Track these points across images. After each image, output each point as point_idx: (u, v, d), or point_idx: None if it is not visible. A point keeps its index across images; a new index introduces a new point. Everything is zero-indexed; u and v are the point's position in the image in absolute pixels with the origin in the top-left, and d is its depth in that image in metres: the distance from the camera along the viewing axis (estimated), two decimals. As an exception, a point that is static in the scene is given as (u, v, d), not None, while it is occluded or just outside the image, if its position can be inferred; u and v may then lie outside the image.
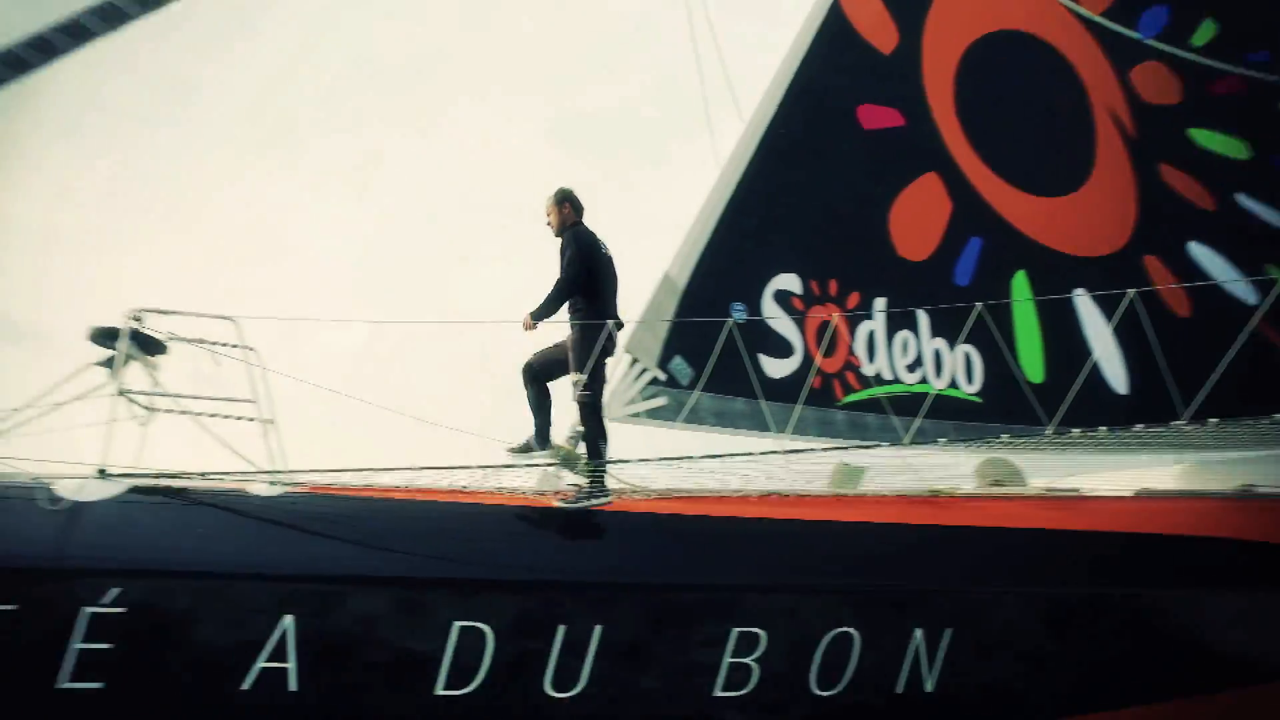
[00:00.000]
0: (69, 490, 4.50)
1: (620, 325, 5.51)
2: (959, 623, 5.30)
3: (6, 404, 4.76)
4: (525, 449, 5.54)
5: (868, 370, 7.06)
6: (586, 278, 5.42)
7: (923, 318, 7.30)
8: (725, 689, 4.94)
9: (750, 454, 5.47)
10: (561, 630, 4.76)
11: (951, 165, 8.00)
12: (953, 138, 8.09)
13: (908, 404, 6.89)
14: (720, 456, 5.50)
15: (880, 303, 7.26)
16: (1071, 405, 5.79)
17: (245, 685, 4.34)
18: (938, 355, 7.35)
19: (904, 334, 7.31)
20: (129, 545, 4.46)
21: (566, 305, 5.47)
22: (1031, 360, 7.74)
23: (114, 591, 4.26)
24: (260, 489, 4.80)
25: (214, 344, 5.13)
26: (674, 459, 5.64)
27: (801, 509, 5.53)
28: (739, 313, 6.61)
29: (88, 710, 4.18)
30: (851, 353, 7.05)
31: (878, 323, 7.21)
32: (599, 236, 5.60)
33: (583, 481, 5.50)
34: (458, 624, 4.63)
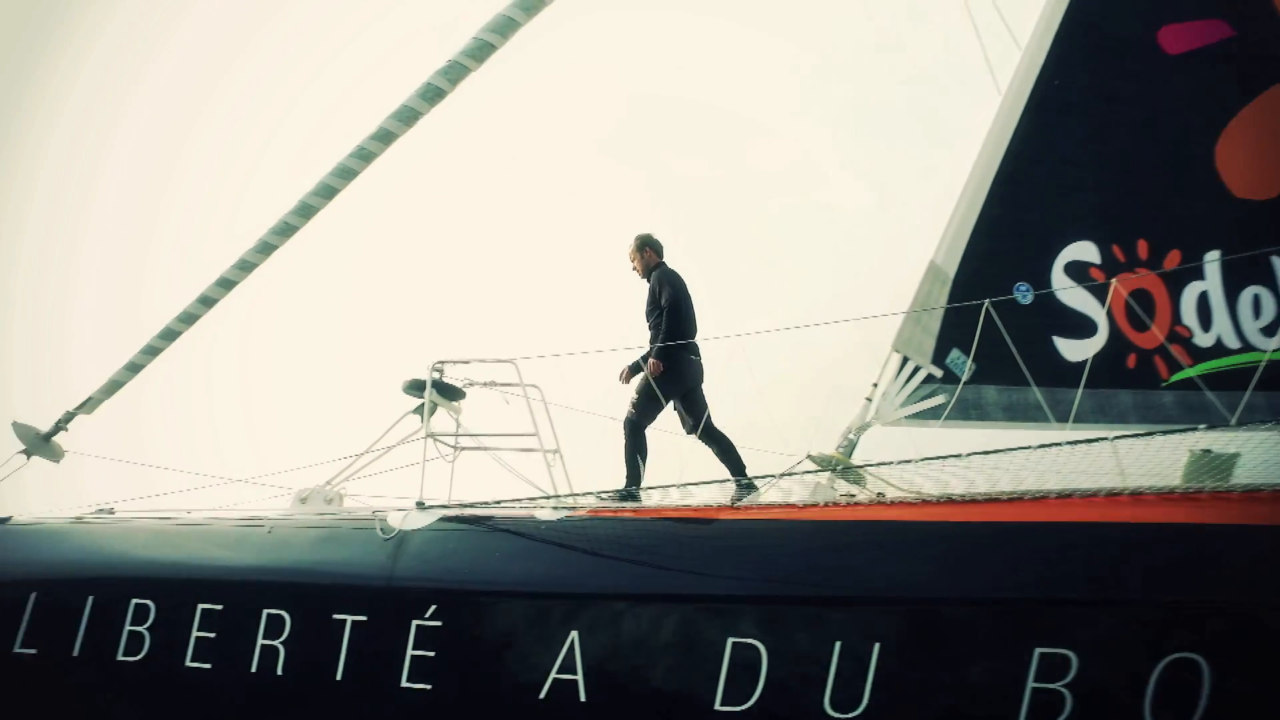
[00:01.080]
0: (396, 521, 5.31)
1: (698, 356, 6.03)
2: None
3: (349, 451, 5.80)
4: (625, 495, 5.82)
5: (1202, 340, 5.91)
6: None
7: None
8: (1029, 715, 4.40)
9: (1028, 446, 4.84)
10: (838, 647, 4.59)
11: None
12: None
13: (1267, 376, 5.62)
14: (999, 451, 4.94)
15: (1213, 257, 6.05)
16: None
17: (541, 694, 4.77)
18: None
19: (1253, 290, 6.01)
20: (442, 567, 5.15)
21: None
22: None
23: (433, 607, 4.95)
24: (546, 514, 5.26)
25: (502, 385, 5.78)
26: (968, 455, 5.15)
27: (1115, 509, 4.77)
28: (1024, 294, 5.91)
29: (422, 707, 4.89)
30: (1178, 321, 5.95)
31: (1212, 281, 6.01)
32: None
33: (855, 490, 5.28)
34: (731, 640, 4.67)
